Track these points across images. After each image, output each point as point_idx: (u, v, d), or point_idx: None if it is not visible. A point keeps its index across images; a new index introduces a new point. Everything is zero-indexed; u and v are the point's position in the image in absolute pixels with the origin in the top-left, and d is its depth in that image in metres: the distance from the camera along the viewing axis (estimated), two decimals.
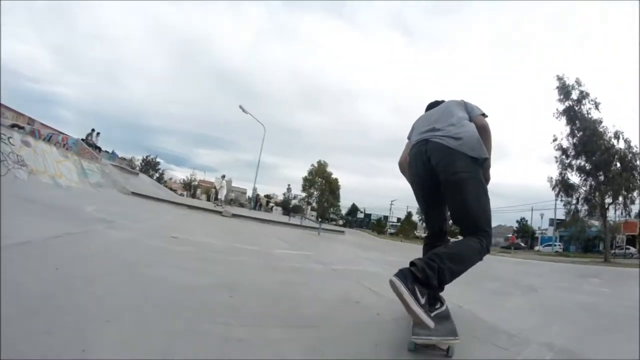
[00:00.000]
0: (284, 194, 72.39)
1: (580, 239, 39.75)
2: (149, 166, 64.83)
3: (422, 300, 1.46)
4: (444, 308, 1.84)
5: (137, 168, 65.11)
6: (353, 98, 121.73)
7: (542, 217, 48.49)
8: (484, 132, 2.02)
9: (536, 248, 44.15)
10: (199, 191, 75.12)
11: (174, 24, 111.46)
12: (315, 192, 61.37)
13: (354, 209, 78.52)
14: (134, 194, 14.37)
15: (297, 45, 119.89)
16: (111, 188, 14.21)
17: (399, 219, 72.01)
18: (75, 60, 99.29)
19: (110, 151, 27.64)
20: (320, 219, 64.67)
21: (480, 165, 1.86)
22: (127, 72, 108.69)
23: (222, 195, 20.10)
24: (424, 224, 2.28)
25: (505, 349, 1.78)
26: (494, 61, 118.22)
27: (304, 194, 63.13)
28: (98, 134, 20.60)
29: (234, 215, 13.66)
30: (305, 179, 61.69)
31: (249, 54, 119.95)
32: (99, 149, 21.06)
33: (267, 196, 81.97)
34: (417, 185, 2.14)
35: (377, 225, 64.72)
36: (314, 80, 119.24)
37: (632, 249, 32.83)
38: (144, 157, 65.21)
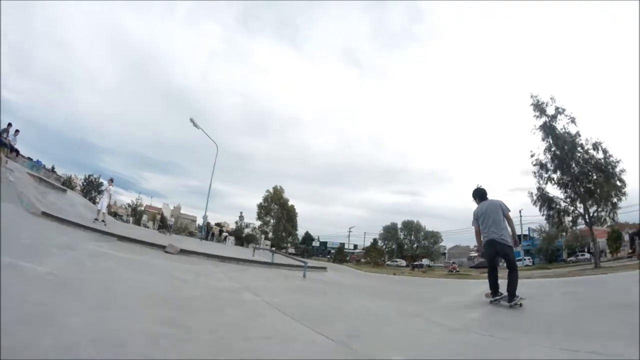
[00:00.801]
0: (236, 223, 67.94)
1: (549, 250, 44.37)
2: (91, 187, 58.23)
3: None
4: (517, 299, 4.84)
5: (77, 186, 58.55)
6: (299, 125, 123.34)
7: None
8: (510, 221, 5.29)
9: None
10: (145, 217, 68.78)
11: (130, 33, 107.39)
12: (271, 220, 57.49)
13: (308, 237, 75.65)
14: (45, 215, 10.59)
15: (249, 69, 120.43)
16: (13, 204, 10.37)
17: (355, 246, 72.77)
18: (25, 62, 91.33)
19: (34, 159, 23.13)
20: (274, 248, 61.37)
21: (515, 245, 5.23)
22: (77, 81, 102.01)
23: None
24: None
25: None
26: (449, 87, 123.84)
27: (258, 222, 59.11)
28: (17, 131, 16.36)
29: (182, 252, 10.20)
30: (260, 206, 57.88)
31: (201, 74, 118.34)
32: (16, 151, 16.82)
33: (218, 224, 76.84)
34: (489, 255, 5.35)
35: (338, 254, 61.87)
36: (262, 105, 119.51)
37: (587, 255, 37.77)
38: (86, 175, 58.62)
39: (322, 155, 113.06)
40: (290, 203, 58.64)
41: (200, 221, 77.25)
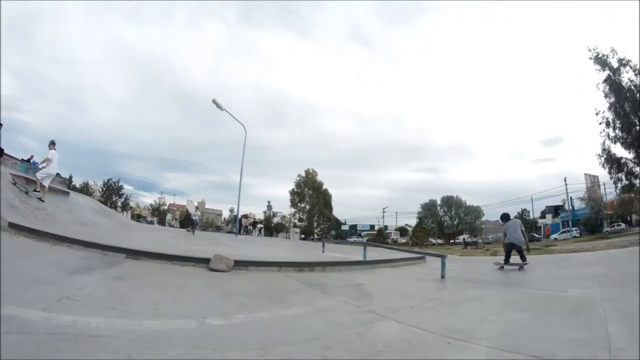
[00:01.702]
0: (264, 212, 64.22)
1: (598, 220, 41.98)
2: (111, 191, 55.22)
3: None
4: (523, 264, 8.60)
5: (97, 192, 55.59)
6: (316, 112, 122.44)
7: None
8: (524, 233, 8.88)
9: (553, 237, 42.58)
10: (169, 216, 66.01)
11: (135, 47, 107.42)
12: (306, 206, 53.13)
13: (336, 221, 71.20)
14: (14, 226, 6.41)
15: (258, 61, 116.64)
16: None
17: (386, 227, 68.77)
18: (37, 85, 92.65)
19: (28, 159, 19.27)
20: (303, 236, 58.17)
21: (527, 248, 8.97)
22: (90, 97, 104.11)
23: None
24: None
25: None
26: (456, 65, 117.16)
27: (292, 210, 54.88)
28: None
29: (238, 265, 5.87)
30: (293, 192, 53.57)
31: (210, 73, 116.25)
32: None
33: (245, 216, 73.21)
34: (509, 250, 8.93)
35: (378, 236, 57.53)
36: (276, 96, 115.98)
37: (622, 225, 37.20)
38: (105, 180, 55.52)
39: (342, 138, 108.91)
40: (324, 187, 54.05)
41: (226, 214, 75.20)
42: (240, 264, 5.99)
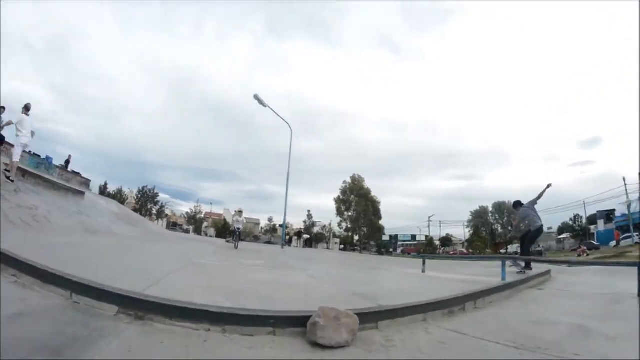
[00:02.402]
0: (304, 222, 61.10)
1: None
2: (146, 198, 54.05)
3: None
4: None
5: (132, 199, 54.63)
6: (348, 120, 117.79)
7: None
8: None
9: (612, 244, 36.97)
10: (205, 224, 64.20)
11: (166, 61, 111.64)
12: (352, 214, 49.27)
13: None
14: None
15: (287, 72, 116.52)
16: None
17: (427, 237, 64.38)
18: (74, 100, 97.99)
19: (42, 156, 17.06)
20: (342, 246, 54.56)
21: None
22: (125, 111, 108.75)
23: None
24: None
25: None
26: (481, 69, 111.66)
27: (338, 219, 51.10)
28: (2, 108, 9.71)
29: (365, 320, 2.40)
30: (339, 200, 49.95)
31: (241, 85, 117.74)
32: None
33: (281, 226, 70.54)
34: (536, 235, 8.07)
35: (429, 246, 53.07)
36: (307, 106, 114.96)
37: None
38: (140, 188, 54.45)
39: (375, 146, 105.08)
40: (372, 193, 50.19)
41: (263, 223, 72.74)
42: (366, 318, 2.65)
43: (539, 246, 44.44)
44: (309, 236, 43.42)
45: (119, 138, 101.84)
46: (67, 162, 17.42)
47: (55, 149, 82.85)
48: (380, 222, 51.57)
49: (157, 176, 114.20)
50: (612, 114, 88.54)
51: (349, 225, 48.74)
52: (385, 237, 67.88)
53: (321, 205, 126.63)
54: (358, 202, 47.52)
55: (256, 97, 22.03)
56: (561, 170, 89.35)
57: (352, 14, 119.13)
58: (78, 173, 18.52)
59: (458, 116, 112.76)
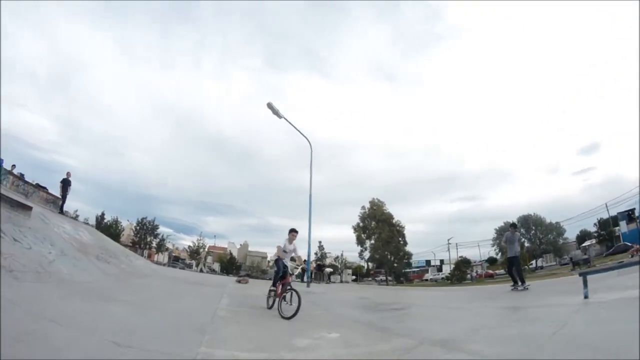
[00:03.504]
0: (315, 253, 55.97)
1: None
2: (145, 230, 49.58)
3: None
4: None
5: (130, 230, 50.09)
6: (347, 150, 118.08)
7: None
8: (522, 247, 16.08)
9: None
10: (209, 259, 59.15)
11: (166, 96, 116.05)
12: (375, 242, 44.02)
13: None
14: None
15: (286, 105, 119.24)
16: None
17: (442, 261, 61.61)
18: (77, 132, 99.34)
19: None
20: (354, 277, 48.77)
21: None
22: (128, 144, 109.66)
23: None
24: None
25: None
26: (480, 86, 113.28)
27: (359, 248, 45.92)
28: None
29: None
30: (358, 228, 44.94)
31: (241, 119, 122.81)
32: None
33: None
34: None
35: (456, 271, 48.02)
36: (304, 139, 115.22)
37: None
38: (139, 219, 50.08)
39: (375, 175, 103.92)
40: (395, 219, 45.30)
41: (270, 256, 67.55)
42: None
43: (584, 254, 39.59)
44: (331, 270, 38.33)
45: (122, 171, 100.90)
46: (65, 180, 13.08)
47: (58, 179, 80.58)
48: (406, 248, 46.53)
49: (161, 210, 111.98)
50: (609, 117, 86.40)
51: (375, 255, 43.40)
52: (417, 264, 62.82)
53: (325, 236, 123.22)
54: (381, 228, 42.46)
55: (270, 106, 19.16)
56: (564, 180, 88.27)
57: (344, 46, 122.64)
58: (44, 187, 14.15)
59: (458, 138, 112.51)
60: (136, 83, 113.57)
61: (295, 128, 20.34)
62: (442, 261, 61.37)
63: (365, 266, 63.07)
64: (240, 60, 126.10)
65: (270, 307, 6.63)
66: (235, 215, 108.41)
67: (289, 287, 6.07)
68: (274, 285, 6.78)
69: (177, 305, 6.37)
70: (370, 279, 58.82)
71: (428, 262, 64.05)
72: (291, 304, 5.72)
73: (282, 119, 19.73)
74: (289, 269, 6.73)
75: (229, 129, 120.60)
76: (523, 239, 53.74)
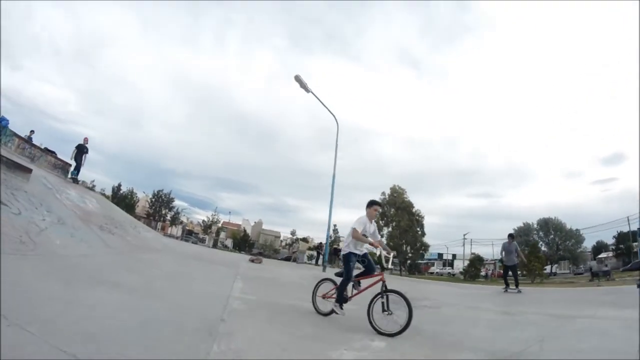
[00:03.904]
0: (330, 237, 55.05)
1: None
2: (160, 203, 49.49)
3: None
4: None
5: (146, 202, 50.12)
6: (369, 136, 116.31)
7: None
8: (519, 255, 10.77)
9: None
10: (222, 234, 59.15)
11: (190, 72, 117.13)
12: (393, 230, 42.97)
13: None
14: None
15: (309, 87, 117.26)
16: None
17: (454, 256, 59.84)
18: (99, 104, 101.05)
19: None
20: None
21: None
22: (148, 118, 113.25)
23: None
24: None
25: None
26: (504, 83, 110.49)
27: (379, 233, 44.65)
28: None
29: None
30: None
31: (263, 98, 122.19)
32: None
33: (304, 239, 65.31)
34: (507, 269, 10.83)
35: (470, 267, 46.67)
36: (329, 121, 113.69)
37: None
38: (155, 191, 49.91)
39: (395, 162, 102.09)
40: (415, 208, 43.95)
41: (285, 235, 67.24)
42: None
43: (606, 266, 38.12)
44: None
45: (141, 144, 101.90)
46: (81, 146, 12.18)
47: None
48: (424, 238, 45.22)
49: (177, 184, 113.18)
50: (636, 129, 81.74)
51: (391, 243, 42.40)
52: (430, 256, 61.61)
53: (341, 220, 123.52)
54: (400, 216, 41.19)
55: (298, 78, 18.64)
56: (583, 187, 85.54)
57: (370, 30, 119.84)
58: (52, 152, 13.30)
59: (478, 132, 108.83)
60: (159, 59, 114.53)
61: (322, 103, 19.69)
62: (454, 256, 59.97)
63: (377, 253, 61.59)
64: (265, 40, 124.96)
65: (328, 314, 4.62)
66: (252, 192, 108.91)
67: (384, 288, 4.12)
68: (344, 283, 4.48)
69: (183, 290, 5.37)
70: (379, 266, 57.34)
71: (440, 255, 62.41)
72: (390, 313, 3.97)
73: (310, 93, 19.21)
74: (383, 260, 4.61)
75: (250, 107, 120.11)
76: (521, 248, 51.44)
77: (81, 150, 12.55)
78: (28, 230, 5.53)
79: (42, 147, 13.03)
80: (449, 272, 47.42)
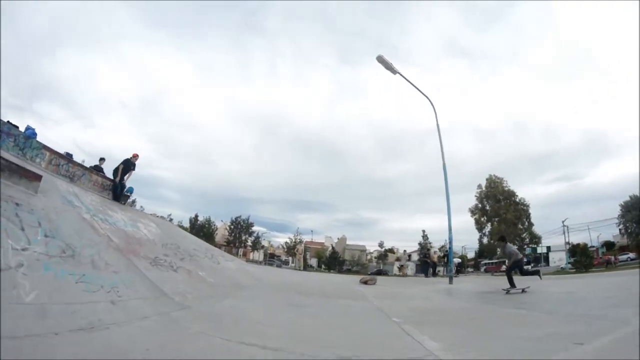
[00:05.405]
0: (419, 244, 49.24)
1: None
2: (240, 229, 48.00)
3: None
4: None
5: (225, 229, 49.28)
6: (435, 136, 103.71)
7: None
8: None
9: None
10: (308, 255, 56.19)
11: (247, 103, 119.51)
12: (496, 225, 36.46)
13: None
14: None
15: (366, 98, 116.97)
16: None
17: (548, 248, 47.78)
18: (170, 147, 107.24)
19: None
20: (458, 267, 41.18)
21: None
22: (217, 153, 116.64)
23: None
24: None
25: None
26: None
27: (477, 234, 38.74)
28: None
29: None
30: (476, 209, 37.90)
31: (324, 117, 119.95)
32: None
33: (390, 250, 60.07)
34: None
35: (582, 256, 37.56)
36: (390, 129, 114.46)
37: None
38: (233, 218, 48.61)
39: (466, 158, 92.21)
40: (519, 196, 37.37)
41: (372, 248, 62.72)
42: None
43: None
44: (460, 260, 32.46)
45: (215, 179, 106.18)
46: (127, 161, 9.57)
47: (158, 192, 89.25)
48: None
49: (254, 210, 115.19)
50: None
51: (492, 241, 35.87)
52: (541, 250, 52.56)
53: (416, 227, 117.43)
54: (505, 208, 34.73)
55: (381, 59, 16.85)
56: None
57: (413, 29, 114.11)
58: (100, 168, 10.32)
59: (548, 111, 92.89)
60: (219, 97, 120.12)
61: (413, 85, 17.69)
62: (548, 248, 50.03)
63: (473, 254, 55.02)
64: (314, 61, 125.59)
65: None
66: (327, 211, 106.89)
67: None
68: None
69: None
70: (471, 269, 50.25)
71: (534, 249, 53.11)
72: None
73: (397, 75, 17.27)
74: None
75: (313, 128, 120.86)
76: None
77: (127, 166, 9.93)
78: None
79: (88, 165, 10.33)
80: (561, 267, 38.35)
